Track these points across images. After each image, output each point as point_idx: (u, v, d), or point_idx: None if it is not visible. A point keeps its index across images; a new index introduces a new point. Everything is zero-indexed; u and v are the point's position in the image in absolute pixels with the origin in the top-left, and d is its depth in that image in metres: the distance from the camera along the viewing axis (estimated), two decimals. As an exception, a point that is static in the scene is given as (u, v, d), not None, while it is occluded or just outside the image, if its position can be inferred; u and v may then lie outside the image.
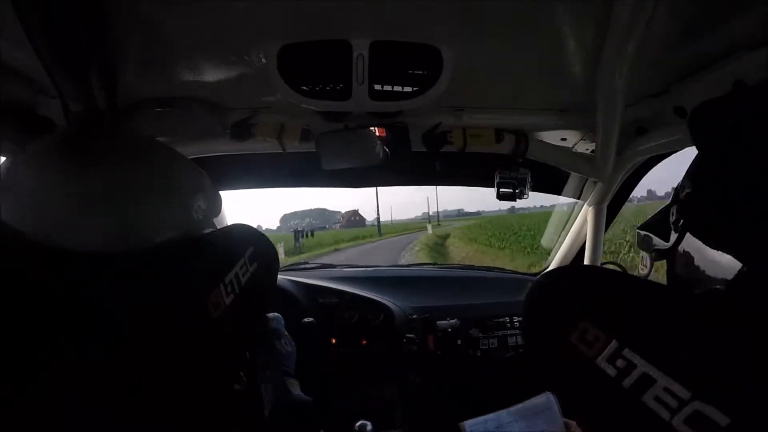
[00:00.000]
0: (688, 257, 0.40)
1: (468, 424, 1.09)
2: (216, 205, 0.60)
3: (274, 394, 0.82)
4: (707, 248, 0.38)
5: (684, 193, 0.42)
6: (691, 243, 0.40)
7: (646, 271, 0.51)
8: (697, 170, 0.41)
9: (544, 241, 1.93)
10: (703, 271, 0.38)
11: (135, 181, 0.50)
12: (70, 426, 0.37)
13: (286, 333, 0.94)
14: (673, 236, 0.43)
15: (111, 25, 0.70)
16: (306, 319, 1.46)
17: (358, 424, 1.35)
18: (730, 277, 0.35)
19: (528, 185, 1.23)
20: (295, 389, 0.86)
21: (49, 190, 0.46)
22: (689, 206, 0.41)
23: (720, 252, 0.36)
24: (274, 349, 0.89)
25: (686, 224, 0.41)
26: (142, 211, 0.49)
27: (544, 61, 0.89)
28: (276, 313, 0.97)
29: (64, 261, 0.43)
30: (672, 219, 0.44)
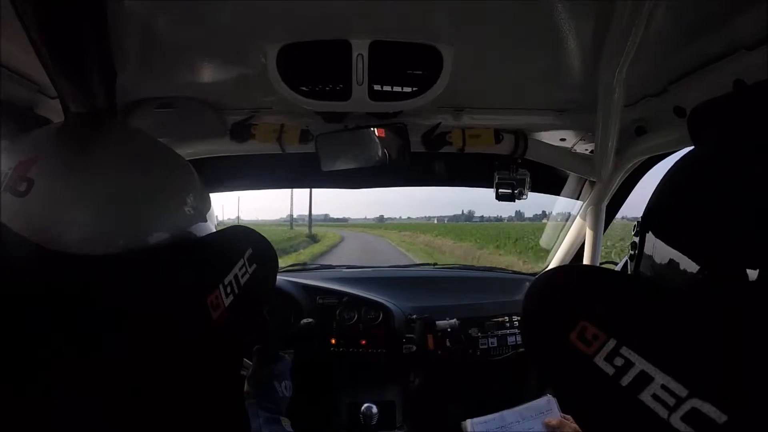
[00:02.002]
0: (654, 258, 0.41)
1: (471, 422, 1.10)
2: (206, 205, 0.60)
3: (266, 428, 0.84)
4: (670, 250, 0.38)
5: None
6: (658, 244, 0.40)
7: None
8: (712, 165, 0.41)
9: (543, 242, 1.94)
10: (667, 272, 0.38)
11: (128, 178, 0.49)
12: (71, 427, 0.37)
13: (288, 378, 0.96)
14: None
15: (111, 25, 0.70)
16: (305, 320, 1.46)
17: (364, 407, 1.36)
18: (690, 278, 0.35)
19: (527, 186, 1.23)
20: (287, 427, 0.88)
21: (37, 188, 0.45)
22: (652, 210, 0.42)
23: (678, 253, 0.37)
24: (273, 389, 0.92)
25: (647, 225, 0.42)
26: (133, 210, 0.49)
27: (544, 61, 0.89)
28: (287, 357, 1.00)
29: (65, 261, 0.43)
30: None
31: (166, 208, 0.52)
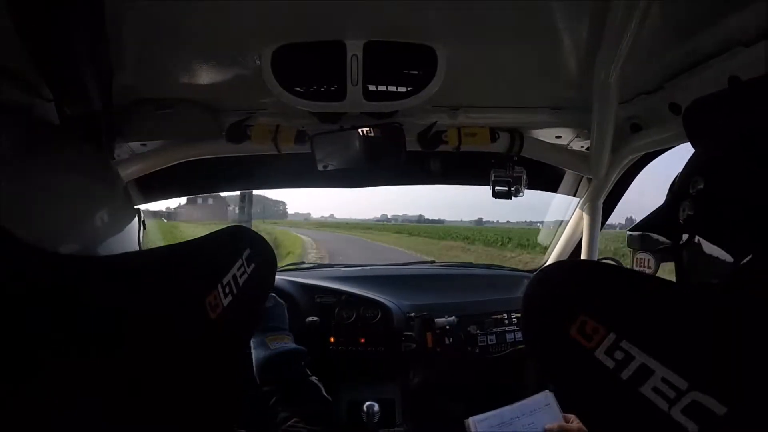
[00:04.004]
0: (695, 253, 0.40)
1: (473, 420, 1.11)
2: (124, 220, 0.59)
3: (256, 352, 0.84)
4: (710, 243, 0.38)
5: (696, 189, 0.41)
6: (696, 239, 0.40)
7: (651, 271, 0.50)
8: (709, 165, 0.41)
9: (541, 239, 1.94)
10: (708, 265, 0.38)
11: (37, 183, 0.48)
12: (71, 427, 0.37)
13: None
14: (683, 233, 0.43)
15: (107, 27, 0.69)
16: (309, 318, 1.46)
17: (366, 405, 1.37)
18: (727, 271, 0.35)
19: (524, 183, 1.23)
20: (281, 343, 0.87)
21: None
22: (705, 201, 0.41)
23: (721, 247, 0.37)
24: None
25: (703, 219, 0.41)
26: (40, 214, 0.48)
27: (539, 59, 0.89)
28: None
29: (65, 262, 0.43)
30: (683, 215, 0.43)
31: (73, 217, 0.51)
